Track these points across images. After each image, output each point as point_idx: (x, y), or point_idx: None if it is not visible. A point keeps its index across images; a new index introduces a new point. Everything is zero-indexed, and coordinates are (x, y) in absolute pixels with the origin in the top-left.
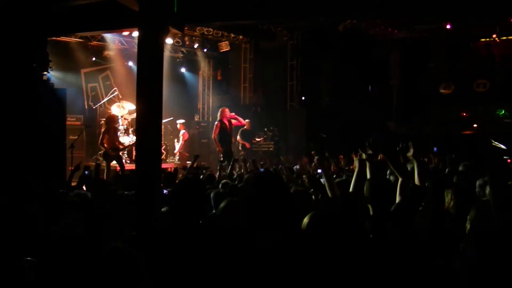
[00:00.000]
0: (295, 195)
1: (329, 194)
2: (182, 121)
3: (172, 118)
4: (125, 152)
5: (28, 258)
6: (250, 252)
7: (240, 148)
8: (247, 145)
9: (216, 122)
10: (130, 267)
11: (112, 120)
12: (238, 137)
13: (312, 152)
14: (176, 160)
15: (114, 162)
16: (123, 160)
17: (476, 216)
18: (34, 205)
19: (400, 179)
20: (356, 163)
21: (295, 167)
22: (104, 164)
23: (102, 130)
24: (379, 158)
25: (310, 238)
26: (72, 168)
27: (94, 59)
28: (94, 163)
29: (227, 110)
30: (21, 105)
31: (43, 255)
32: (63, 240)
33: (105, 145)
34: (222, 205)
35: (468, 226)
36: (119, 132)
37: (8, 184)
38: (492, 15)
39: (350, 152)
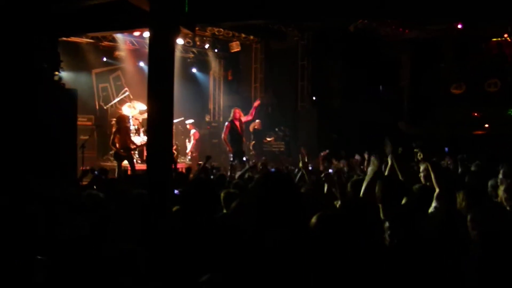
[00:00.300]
0: (304, 195)
1: (337, 195)
2: (191, 121)
3: (182, 118)
4: (136, 152)
5: (39, 258)
6: (258, 251)
7: (251, 147)
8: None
9: (226, 123)
10: (134, 267)
11: (122, 120)
12: (252, 137)
13: (322, 153)
14: (188, 160)
15: (125, 162)
16: (134, 160)
17: (483, 217)
18: (34, 205)
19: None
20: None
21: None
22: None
23: (113, 130)
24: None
25: (317, 238)
26: (83, 168)
27: (105, 59)
28: (103, 164)
29: (238, 110)
30: (32, 105)
31: (45, 255)
32: (66, 240)
33: (117, 145)
34: (233, 205)
35: (470, 228)
36: (130, 132)
37: (17, 185)
38: (501, 16)
39: (361, 152)
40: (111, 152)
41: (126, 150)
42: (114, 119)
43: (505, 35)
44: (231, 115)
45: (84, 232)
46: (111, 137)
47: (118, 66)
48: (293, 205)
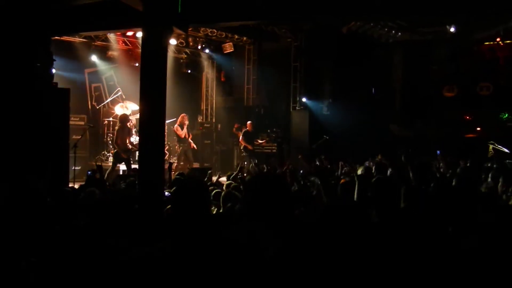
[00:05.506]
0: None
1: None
2: None
3: (175, 119)
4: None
5: (30, 258)
6: (254, 257)
7: (242, 149)
8: (250, 147)
9: (178, 126)
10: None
11: (126, 119)
12: (240, 138)
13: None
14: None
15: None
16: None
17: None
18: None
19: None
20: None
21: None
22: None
23: (117, 128)
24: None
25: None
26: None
27: (98, 59)
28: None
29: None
30: (25, 105)
31: (44, 252)
32: (64, 239)
33: (120, 144)
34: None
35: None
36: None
37: (10, 184)
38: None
39: (353, 153)
40: (103, 152)
41: (126, 152)
42: (107, 119)
43: (498, 39)
44: (183, 120)
45: (81, 226)
46: (115, 136)
47: (111, 66)
48: (284, 205)
